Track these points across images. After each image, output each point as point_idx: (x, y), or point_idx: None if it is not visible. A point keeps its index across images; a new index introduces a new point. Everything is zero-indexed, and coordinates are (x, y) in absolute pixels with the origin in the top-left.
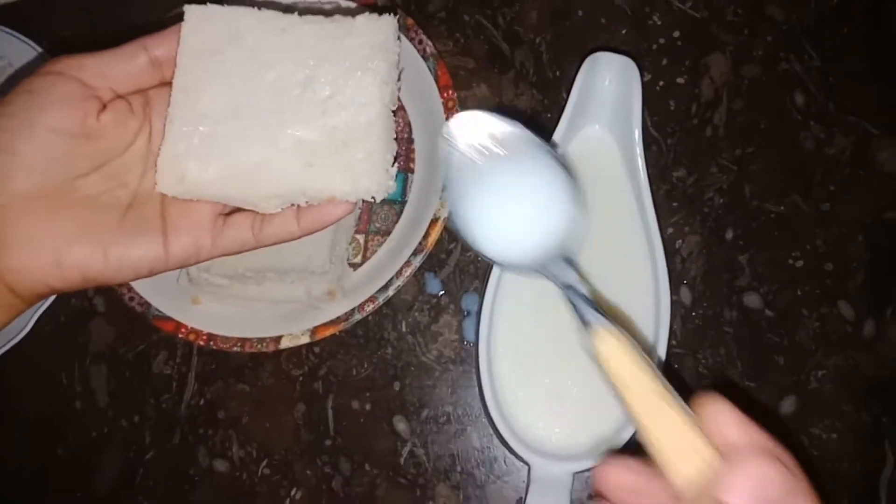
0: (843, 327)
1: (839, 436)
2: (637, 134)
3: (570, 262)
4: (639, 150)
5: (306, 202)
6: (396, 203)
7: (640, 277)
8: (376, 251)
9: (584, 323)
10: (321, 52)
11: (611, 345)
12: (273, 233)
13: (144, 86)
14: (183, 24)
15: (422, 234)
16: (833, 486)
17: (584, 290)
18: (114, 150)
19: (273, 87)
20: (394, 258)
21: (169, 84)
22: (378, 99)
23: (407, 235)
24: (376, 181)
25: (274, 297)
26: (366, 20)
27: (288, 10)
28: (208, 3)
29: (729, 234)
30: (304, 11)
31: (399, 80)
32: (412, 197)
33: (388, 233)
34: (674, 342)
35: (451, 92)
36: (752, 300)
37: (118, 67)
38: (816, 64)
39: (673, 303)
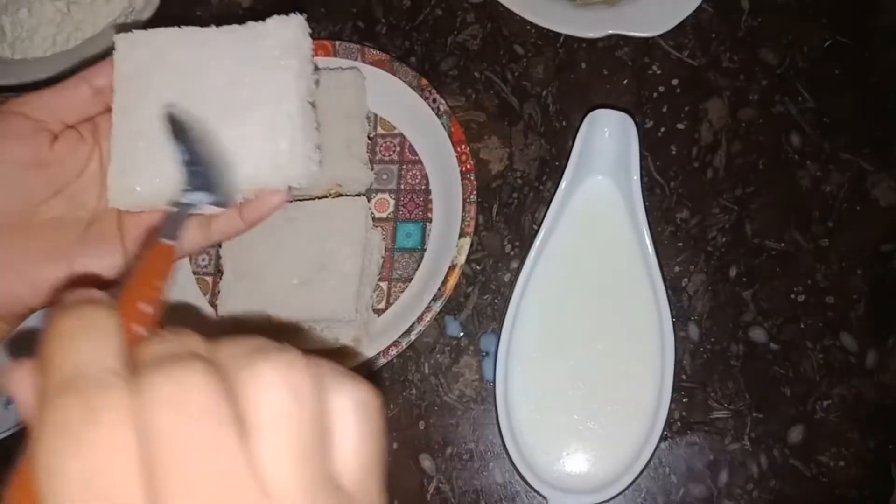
0: (846, 358)
1: (846, 463)
2: (636, 181)
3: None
4: (638, 196)
5: (243, 198)
6: (416, 251)
7: (645, 316)
8: (399, 297)
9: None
10: (238, 57)
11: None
12: (220, 230)
13: (91, 114)
14: (115, 52)
15: (441, 280)
16: None
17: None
18: (69, 175)
19: (199, 95)
20: (415, 304)
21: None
22: (294, 93)
23: (427, 282)
24: (300, 168)
25: (305, 345)
26: (275, 22)
27: (206, 24)
28: (134, 31)
29: (733, 272)
30: (221, 23)
31: (316, 71)
32: (430, 245)
33: (410, 279)
34: (684, 376)
35: (464, 146)
36: (758, 334)
37: (63, 100)
38: (810, 105)
39: (681, 339)
